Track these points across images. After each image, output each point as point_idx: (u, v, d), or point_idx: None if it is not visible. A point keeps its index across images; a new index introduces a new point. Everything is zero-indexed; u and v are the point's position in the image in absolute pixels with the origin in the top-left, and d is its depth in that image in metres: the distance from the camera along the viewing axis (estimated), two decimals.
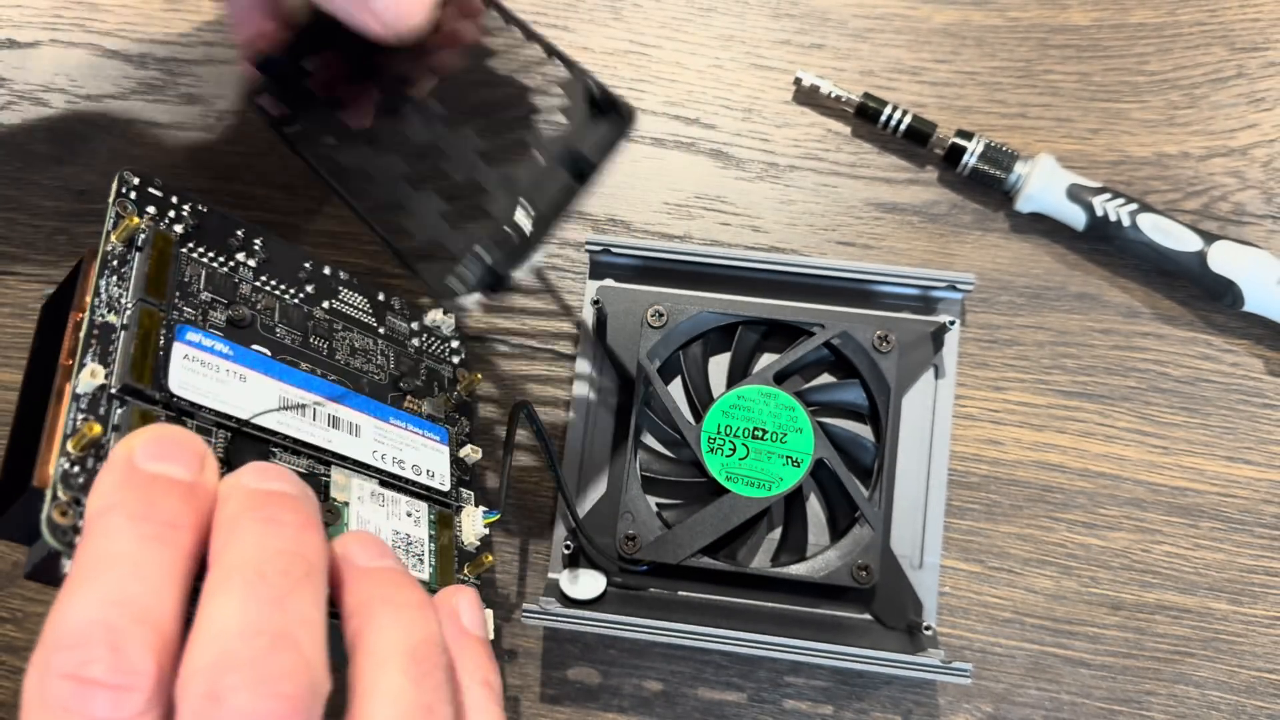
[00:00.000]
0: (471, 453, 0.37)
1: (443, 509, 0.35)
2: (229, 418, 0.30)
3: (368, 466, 0.33)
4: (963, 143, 0.40)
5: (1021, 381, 0.41)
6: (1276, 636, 0.39)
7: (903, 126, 0.41)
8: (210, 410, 0.30)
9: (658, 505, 0.39)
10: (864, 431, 0.39)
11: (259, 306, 0.34)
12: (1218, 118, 0.42)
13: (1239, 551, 0.39)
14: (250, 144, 0.42)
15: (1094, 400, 0.40)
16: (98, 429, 0.27)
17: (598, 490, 0.39)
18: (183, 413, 0.30)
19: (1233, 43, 0.42)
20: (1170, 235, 0.39)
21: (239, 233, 0.34)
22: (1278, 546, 0.40)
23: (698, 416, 0.38)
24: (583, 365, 0.40)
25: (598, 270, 0.40)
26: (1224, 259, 0.39)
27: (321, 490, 0.32)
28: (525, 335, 0.41)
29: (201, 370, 0.30)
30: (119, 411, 0.28)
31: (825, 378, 0.40)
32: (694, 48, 0.43)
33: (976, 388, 0.41)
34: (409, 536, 0.34)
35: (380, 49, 0.31)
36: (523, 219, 0.28)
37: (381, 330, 0.37)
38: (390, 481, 0.34)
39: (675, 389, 0.40)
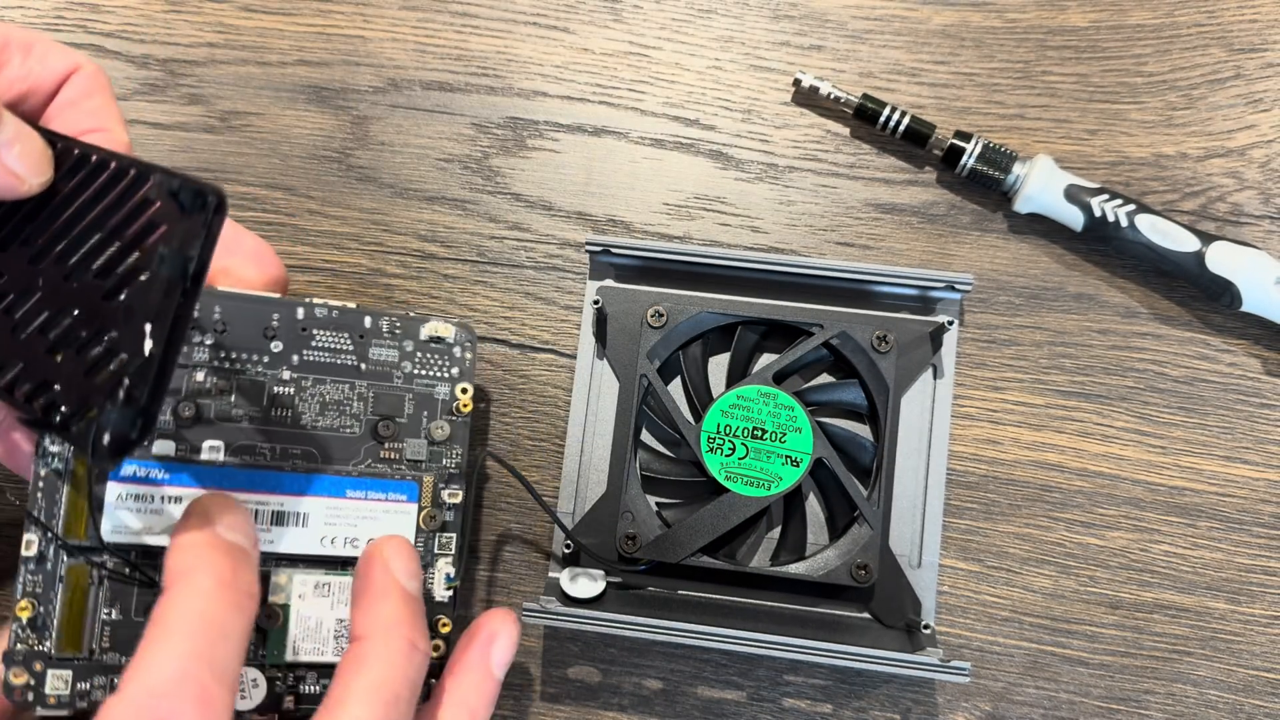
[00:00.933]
0: (450, 497, 0.35)
1: None
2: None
3: (314, 558, 0.33)
4: (961, 144, 0.40)
5: (1020, 381, 0.41)
6: (1274, 635, 0.39)
7: (901, 127, 0.41)
8: (142, 548, 0.31)
9: (657, 504, 0.39)
10: (863, 431, 0.39)
11: (213, 393, 0.33)
12: (1215, 119, 0.42)
13: (1237, 551, 0.40)
14: (252, 145, 0.43)
15: (1092, 400, 0.41)
16: (29, 610, 0.30)
17: (598, 489, 0.39)
18: (122, 551, 0.31)
19: (1230, 44, 0.43)
20: (1168, 236, 0.39)
21: (195, 311, 0.33)
22: (1275, 546, 0.40)
23: (697, 416, 0.38)
24: (582, 365, 0.40)
25: (598, 270, 0.40)
26: (1222, 259, 0.39)
27: (266, 592, 0.33)
28: (525, 335, 0.41)
29: (137, 506, 0.32)
30: (64, 565, 0.31)
31: (824, 378, 0.40)
32: (694, 49, 0.43)
33: (975, 388, 0.41)
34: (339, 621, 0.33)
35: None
36: (149, 344, 0.27)
37: (363, 367, 0.35)
38: (340, 561, 0.34)
39: (675, 389, 0.40)
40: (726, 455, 0.38)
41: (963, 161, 0.40)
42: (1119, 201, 0.40)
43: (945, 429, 0.39)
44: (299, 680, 0.33)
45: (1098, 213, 0.40)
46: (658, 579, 0.38)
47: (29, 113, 0.32)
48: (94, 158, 0.29)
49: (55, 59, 0.32)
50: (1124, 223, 0.39)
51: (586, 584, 0.38)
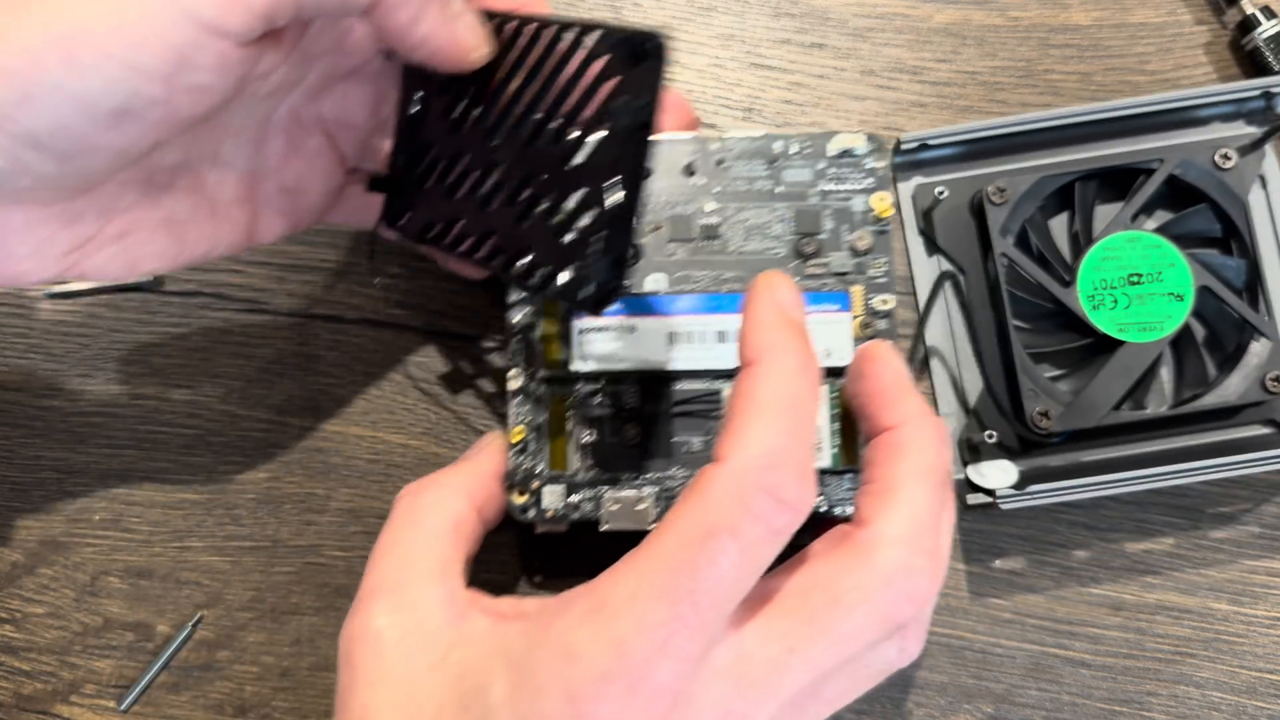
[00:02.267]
0: (882, 304, 0.36)
1: None
2: (631, 372, 0.35)
3: None
4: (1261, 17, 0.41)
5: None
6: (1277, 637, 0.39)
7: None
8: (612, 371, 0.35)
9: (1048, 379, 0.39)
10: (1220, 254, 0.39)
11: (649, 231, 0.36)
12: None
13: (1240, 552, 0.39)
14: None
15: None
16: (522, 435, 0.35)
17: (973, 386, 0.39)
18: (590, 379, 0.35)
19: (1234, 42, 0.42)
20: None
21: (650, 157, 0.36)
22: (1279, 547, 0.40)
23: (1058, 281, 0.38)
24: (918, 267, 0.40)
25: (904, 171, 0.41)
26: None
27: (719, 405, 0.36)
28: None
29: (598, 337, 0.35)
30: (545, 395, 0.35)
31: (1162, 214, 0.40)
32: (694, 47, 0.43)
33: None
34: None
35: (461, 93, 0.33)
36: (619, 195, 0.28)
37: (778, 189, 0.37)
38: None
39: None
40: (1111, 308, 0.38)
41: (1251, 36, 0.41)
42: None
43: None
44: None
45: None
46: (1059, 452, 0.39)
47: None
48: (531, 26, 0.31)
49: None
50: None
51: (998, 474, 0.38)
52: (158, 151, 0.31)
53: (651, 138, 0.28)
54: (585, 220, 0.29)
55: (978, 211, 0.39)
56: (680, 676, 0.25)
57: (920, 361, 0.40)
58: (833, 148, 0.37)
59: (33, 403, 0.41)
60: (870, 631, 0.27)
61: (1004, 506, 0.36)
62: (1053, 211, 0.40)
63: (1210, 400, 0.38)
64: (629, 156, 0.28)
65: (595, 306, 0.29)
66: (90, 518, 0.40)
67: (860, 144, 0.37)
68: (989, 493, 0.37)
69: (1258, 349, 0.38)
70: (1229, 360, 0.38)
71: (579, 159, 0.29)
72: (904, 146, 0.39)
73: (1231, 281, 0.39)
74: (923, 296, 0.40)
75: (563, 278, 0.29)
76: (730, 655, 0.26)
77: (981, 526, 0.40)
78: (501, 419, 0.40)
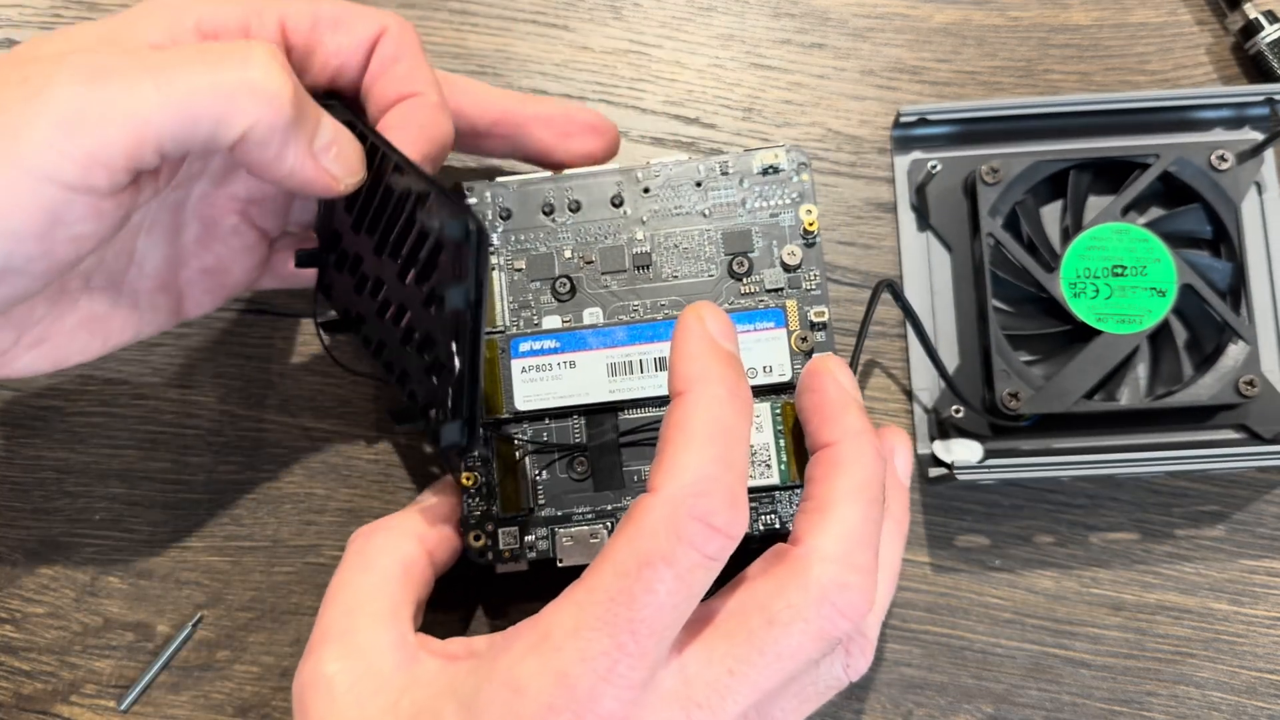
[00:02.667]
0: (817, 316, 0.36)
1: (789, 397, 0.36)
2: (574, 407, 0.35)
3: None
4: (1266, 21, 0.41)
5: None
6: (1277, 637, 0.39)
7: None
8: (554, 409, 0.35)
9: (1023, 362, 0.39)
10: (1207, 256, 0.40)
11: (580, 265, 0.36)
12: None
13: (1240, 551, 0.39)
14: None
15: None
16: (473, 480, 0.34)
17: (950, 364, 0.39)
18: (535, 418, 0.35)
19: (1237, 45, 0.42)
20: None
21: (549, 195, 0.36)
22: (1278, 547, 0.40)
23: (1043, 267, 0.38)
24: (907, 243, 0.40)
25: (903, 145, 0.41)
26: None
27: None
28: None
29: (538, 375, 0.35)
30: (493, 438, 0.35)
31: (1155, 210, 0.40)
32: (694, 47, 0.43)
33: None
34: (751, 449, 0.35)
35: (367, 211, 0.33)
36: (456, 363, 0.29)
37: (707, 211, 0.37)
38: None
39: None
40: (1092, 298, 0.38)
41: (1255, 40, 0.41)
42: None
43: None
44: None
45: None
46: (1031, 437, 0.39)
47: (345, 87, 0.33)
48: (389, 173, 0.31)
49: (362, 27, 0.32)
50: None
51: (963, 452, 0.38)
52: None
53: (480, 313, 0.28)
54: (440, 377, 0.29)
55: (970, 191, 0.39)
56: (625, 704, 0.26)
57: (861, 367, 0.39)
58: (757, 165, 0.37)
59: (33, 403, 0.41)
60: (808, 649, 0.28)
61: (960, 478, 0.36)
62: (1045, 200, 0.40)
63: (1182, 398, 0.38)
64: (464, 332, 0.28)
65: (456, 458, 0.30)
66: (90, 518, 0.40)
67: (784, 159, 0.37)
68: (947, 465, 0.37)
69: (1234, 352, 0.38)
70: (1206, 361, 0.38)
71: (434, 309, 0.30)
72: (903, 119, 0.39)
73: (1216, 283, 0.39)
74: (909, 270, 0.40)
75: (426, 418, 0.30)
76: (674, 680, 0.27)
77: (982, 526, 0.40)
78: None
